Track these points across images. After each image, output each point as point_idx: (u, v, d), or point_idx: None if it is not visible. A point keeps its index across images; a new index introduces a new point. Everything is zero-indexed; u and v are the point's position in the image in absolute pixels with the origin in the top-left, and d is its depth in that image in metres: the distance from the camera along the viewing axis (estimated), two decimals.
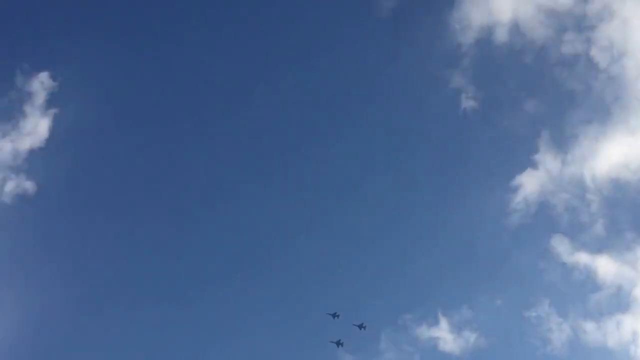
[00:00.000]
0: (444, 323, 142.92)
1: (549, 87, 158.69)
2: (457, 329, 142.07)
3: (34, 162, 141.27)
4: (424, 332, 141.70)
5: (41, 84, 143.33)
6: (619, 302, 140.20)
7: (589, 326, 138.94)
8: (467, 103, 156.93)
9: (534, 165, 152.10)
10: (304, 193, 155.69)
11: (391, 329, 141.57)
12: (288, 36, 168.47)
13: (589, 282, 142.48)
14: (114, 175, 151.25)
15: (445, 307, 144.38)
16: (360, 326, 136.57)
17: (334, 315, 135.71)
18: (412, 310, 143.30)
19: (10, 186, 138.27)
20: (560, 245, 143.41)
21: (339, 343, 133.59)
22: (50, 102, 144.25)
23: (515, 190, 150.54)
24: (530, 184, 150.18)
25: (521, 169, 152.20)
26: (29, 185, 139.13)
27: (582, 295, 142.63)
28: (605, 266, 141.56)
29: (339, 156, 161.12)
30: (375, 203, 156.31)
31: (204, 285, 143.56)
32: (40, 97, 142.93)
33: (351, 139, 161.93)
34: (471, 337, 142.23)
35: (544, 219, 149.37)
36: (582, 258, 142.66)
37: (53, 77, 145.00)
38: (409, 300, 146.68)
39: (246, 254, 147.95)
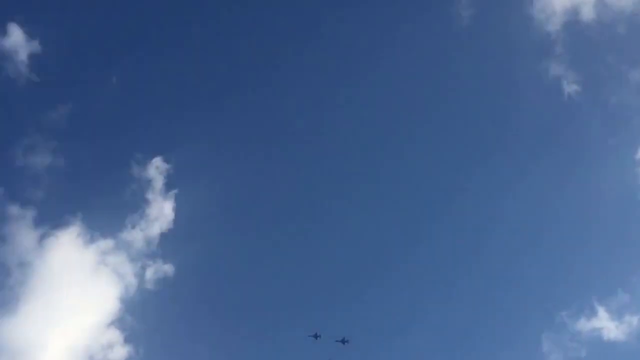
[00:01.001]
0: (602, 312, 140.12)
1: None
2: (617, 315, 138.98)
3: (167, 244, 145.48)
4: (584, 325, 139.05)
5: (156, 168, 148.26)
6: None
7: None
8: (570, 88, 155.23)
9: None
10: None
11: (550, 330, 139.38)
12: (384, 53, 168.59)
13: None
14: (244, 247, 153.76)
15: (600, 295, 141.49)
16: (343, 341, 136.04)
17: (315, 336, 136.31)
18: (567, 306, 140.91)
19: (150, 273, 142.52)
20: None
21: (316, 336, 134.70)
22: (168, 185, 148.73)
23: None
24: None
25: None
26: (167, 268, 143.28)
27: None
28: None
29: (450, 153, 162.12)
30: (507, 200, 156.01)
31: None
32: (158, 182, 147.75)
33: (465, 139, 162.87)
34: (633, 320, 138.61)
35: None
36: None
37: (166, 160, 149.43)
38: (561, 297, 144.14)
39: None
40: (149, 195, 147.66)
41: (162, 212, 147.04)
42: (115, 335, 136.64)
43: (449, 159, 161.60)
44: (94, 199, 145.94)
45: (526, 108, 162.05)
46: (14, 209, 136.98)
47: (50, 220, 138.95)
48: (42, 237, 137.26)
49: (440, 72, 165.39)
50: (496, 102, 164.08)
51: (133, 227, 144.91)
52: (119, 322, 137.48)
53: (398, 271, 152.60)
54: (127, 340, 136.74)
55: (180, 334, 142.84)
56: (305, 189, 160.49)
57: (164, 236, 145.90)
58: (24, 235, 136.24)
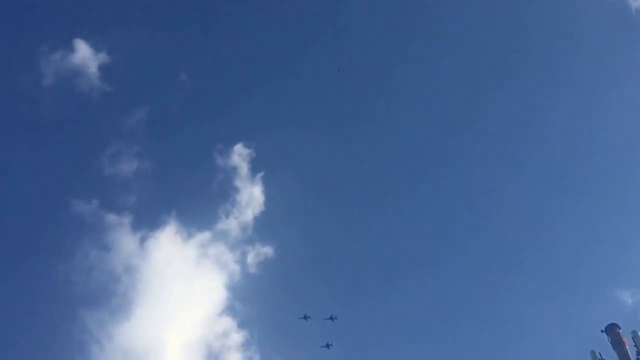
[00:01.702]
0: None
1: None
2: None
3: (262, 228, 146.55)
4: None
5: (239, 155, 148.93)
6: None
7: None
8: None
9: None
10: None
11: None
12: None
13: None
14: (336, 222, 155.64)
15: None
16: (331, 318, 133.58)
17: (305, 317, 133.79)
18: None
19: (251, 257, 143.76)
20: None
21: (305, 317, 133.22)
22: (254, 169, 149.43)
23: None
24: None
25: None
26: (267, 251, 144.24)
27: None
28: None
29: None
30: None
31: None
32: (243, 168, 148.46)
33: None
34: None
35: None
36: None
37: (247, 146, 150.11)
38: None
39: None
40: (237, 183, 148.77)
41: (252, 197, 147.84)
42: (228, 322, 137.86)
43: None
44: (185, 195, 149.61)
45: None
46: (111, 218, 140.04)
47: (147, 222, 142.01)
48: (143, 240, 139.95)
49: None
50: None
51: (227, 216, 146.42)
52: (229, 310, 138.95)
53: None
54: (240, 325, 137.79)
55: (289, 313, 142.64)
56: (386, 165, 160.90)
57: (258, 220, 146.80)
58: (125, 241, 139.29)
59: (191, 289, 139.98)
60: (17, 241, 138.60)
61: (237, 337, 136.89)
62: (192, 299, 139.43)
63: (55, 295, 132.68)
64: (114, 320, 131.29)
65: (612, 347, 56.49)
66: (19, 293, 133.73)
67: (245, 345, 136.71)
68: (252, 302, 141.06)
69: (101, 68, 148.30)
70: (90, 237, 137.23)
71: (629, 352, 55.58)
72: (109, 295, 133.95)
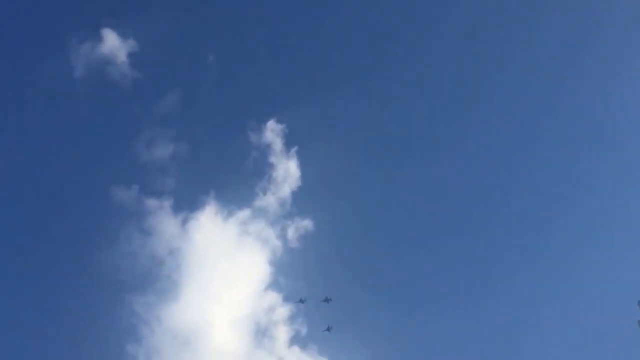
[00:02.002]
0: None
1: None
2: None
3: (300, 201, 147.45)
4: None
5: (272, 131, 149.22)
6: None
7: None
8: None
9: None
10: None
11: None
12: None
13: None
14: (371, 192, 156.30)
15: None
16: (327, 300, 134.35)
17: (301, 301, 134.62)
18: None
19: (291, 232, 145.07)
20: None
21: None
22: (288, 144, 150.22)
23: None
24: None
25: None
26: (306, 224, 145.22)
27: None
28: None
29: None
30: None
31: None
32: (277, 144, 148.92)
33: None
34: None
35: None
36: None
37: (279, 121, 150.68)
38: None
39: None
40: (272, 159, 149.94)
41: (288, 172, 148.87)
42: (273, 297, 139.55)
43: None
44: (222, 174, 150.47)
45: None
46: (152, 202, 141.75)
47: (187, 204, 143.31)
48: (184, 222, 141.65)
49: None
50: None
51: (264, 192, 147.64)
52: (274, 285, 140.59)
53: None
54: (286, 299, 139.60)
55: (333, 283, 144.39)
56: (423, 130, 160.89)
57: (295, 194, 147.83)
58: (167, 224, 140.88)
59: (235, 267, 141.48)
60: (62, 231, 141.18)
61: (284, 311, 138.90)
62: (237, 276, 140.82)
63: (103, 281, 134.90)
64: (161, 303, 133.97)
65: None
66: (67, 282, 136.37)
67: (292, 319, 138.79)
68: (295, 276, 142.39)
69: (130, 56, 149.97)
70: (132, 223, 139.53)
71: None
72: (154, 278, 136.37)
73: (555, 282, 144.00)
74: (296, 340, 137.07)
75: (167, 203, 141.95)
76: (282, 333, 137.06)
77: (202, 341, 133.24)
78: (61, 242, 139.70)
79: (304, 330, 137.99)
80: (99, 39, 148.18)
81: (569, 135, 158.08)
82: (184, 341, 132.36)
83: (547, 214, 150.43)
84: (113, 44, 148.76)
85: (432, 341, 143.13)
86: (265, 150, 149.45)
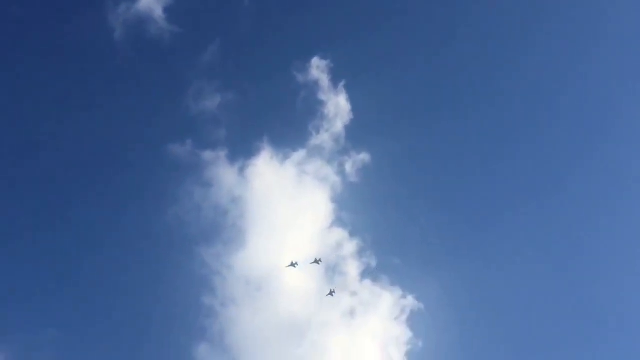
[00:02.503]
0: None
1: None
2: None
3: (354, 136, 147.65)
4: None
5: (317, 68, 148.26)
6: None
7: None
8: None
9: None
10: None
11: None
12: None
13: None
14: (421, 123, 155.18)
15: None
16: (317, 261, 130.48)
17: (293, 265, 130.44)
18: None
19: (349, 167, 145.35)
20: None
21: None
22: (335, 80, 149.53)
23: None
24: None
25: None
26: (363, 157, 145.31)
27: None
28: None
29: None
30: None
31: None
32: (324, 80, 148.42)
33: None
34: None
35: None
36: None
37: (324, 57, 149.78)
38: None
39: None
40: (321, 96, 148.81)
41: (338, 107, 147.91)
42: (339, 233, 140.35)
43: None
44: (273, 118, 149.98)
45: None
46: (207, 155, 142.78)
47: (242, 152, 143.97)
48: (241, 170, 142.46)
49: None
50: None
51: (317, 131, 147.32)
52: (338, 221, 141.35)
53: None
54: (352, 234, 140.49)
55: (397, 214, 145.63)
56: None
57: (348, 129, 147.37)
58: (225, 174, 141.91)
59: (297, 208, 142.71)
60: (125, 193, 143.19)
61: (351, 246, 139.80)
62: (300, 217, 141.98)
63: (171, 237, 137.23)
64: (229, 252, 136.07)
65: None
66: (135, 240, 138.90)
67: (360, 253, 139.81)
68: (358, 210, 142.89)
69: (166, 10, 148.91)
70: (191, 177, 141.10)
71: None
72: (220, 229, 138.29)
73: None
74: (367, 273, 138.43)
75: (223, 153, 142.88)
76: (352, 268, 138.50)
77: (274, 285, 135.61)
78: (125, 203, 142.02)
79: (373, 263, 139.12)
80: None
81: None
82: (256, 287, 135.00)
83: None
84: (148, 0, 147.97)
85: (504, 257, 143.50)
86: (313, 88, 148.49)
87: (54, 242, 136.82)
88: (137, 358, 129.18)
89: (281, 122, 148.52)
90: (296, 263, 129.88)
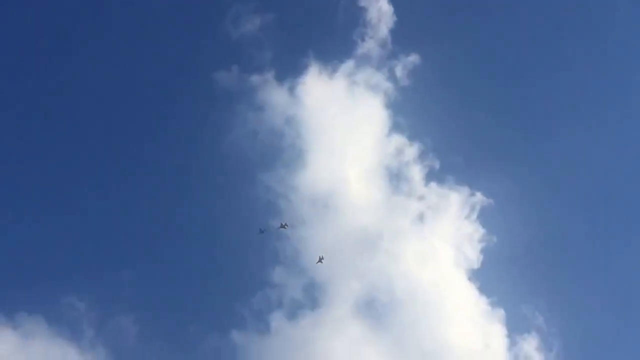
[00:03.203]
0: None
1: None
2: None
3: (401, 38, 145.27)
4: None
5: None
6: None
7: None
8: None
9: None
10: None
11: None
12: None
13: None
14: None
15: None
16: (283, 226, 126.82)
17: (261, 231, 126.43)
18: None
19: (399, 71, 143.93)
20: None
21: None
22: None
23: None
24: None
25: None
26: (413, 59, 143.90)
27: None
28: None
29: None
30: None
31: None
32: None
33: None
34: None
35: None
36: None
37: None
38: None
39: None
40: (362, 2, 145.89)
41: (381, 11, 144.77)
42: (398, 140, 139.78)
43: None
44: (315, 32, 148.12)
45: None
46: (255, 78, 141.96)
47: (289, 71, 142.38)
48: (291, 90, 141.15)
49: None
50: None
51: (362, 38, 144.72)
52: (395, 127, 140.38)
53: None
54: (411, 138, 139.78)
55: (452, 113, 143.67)
56: None
57: (394, 32, 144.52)
58: (275, 95, 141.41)
59: (352, 119, 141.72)
60: (178, 126, 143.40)
61: (412, 150, 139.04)
62: (356, 128, 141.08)
63: (230, 165, 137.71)
64: (291, 173, 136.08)
65: None
66: (195, 174, 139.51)
67: (422, 156, 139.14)
68: (414, 113, 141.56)
69: None
70: (242, 103, 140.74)
71: None
72: (278, 151, 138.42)
73: None
74: (431, 176, 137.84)
75: (270, 75, 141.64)
76: (416, 172, 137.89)
77: (340, 200, 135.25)
78: (179, 137, 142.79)
79: (437, 165, 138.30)
80: None
81: None
82: (323, 204, 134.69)
83: None
84: None
85: (565, 161, 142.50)
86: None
87: (121, 182, 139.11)
88: (215, 287, 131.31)
89: (324, 35, 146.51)
90: (264, 230, 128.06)
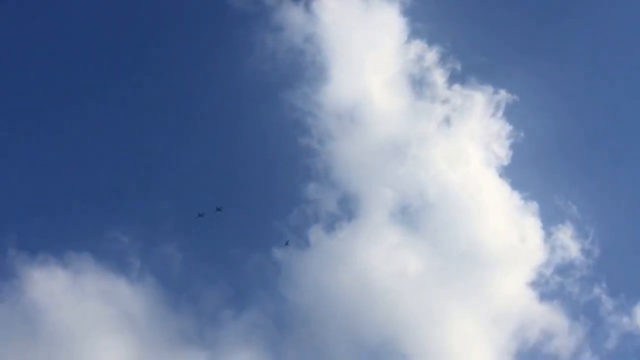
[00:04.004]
0: None
1: None
2: None
3: None
4: None
5: None
6: None
7: None
8: None
9: None
10: None
11: None
12: None
13: None
14: None
15: None
16: (219, 209, 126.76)
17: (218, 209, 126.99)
18: None
19: None
20: None
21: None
22: None
23: None
24: None
25: None
26: None
27: None
28: None
29: None
30: None
31: None
32: None
33: None
34: None
35: None
36: None
37: None
38: None
39: None
40: None
41: None
42: (417, 45, 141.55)
43: None
44: None
45: None
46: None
47: None
48: (307, 7, 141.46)
49: None
50: None
51: None
52: (414, 33, 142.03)
53: None
54: (430, 43, 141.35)
55: (470, 14, 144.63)
56: None
57: None
58: (292, 14, 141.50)
59: (370, 30, 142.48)
60: (199, 50, 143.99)
61: (432, 54, 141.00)
62: (376, 39, 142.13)
63: (253, 87, 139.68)
64: (315, 90, 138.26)
65: None
66: (219, 98, 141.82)
67: (443, 60, 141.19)
68: (432, 17, 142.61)
69: None
70: (259, 25, 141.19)
71: None
72: (300, 69, 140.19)
73: None
74: (454, 78, 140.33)
75: None
76: (438, 76, 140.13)
77: (365, 111, 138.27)
78: (198, 64, 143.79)
79: (458, 67, 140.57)
80: None
81: None
82: (349, 118, 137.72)
83: None
84: None
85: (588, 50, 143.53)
86: None
87: (151, 113, 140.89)
88: (252, 208, 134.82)
89: None
90: (221, 208, 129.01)
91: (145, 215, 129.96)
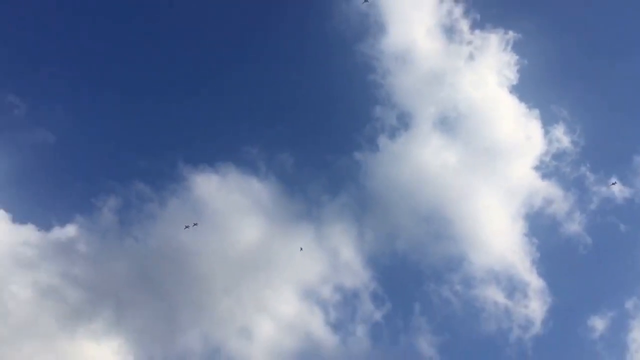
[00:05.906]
0: None
1: None
2: None
3: None
4: None
5: None
6: None
7: None
8: None
9: None
10: None
11: None
12: None
13: None
14: None
15: None
16: (194, 224, 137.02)
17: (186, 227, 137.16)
18: None
19: None
20: None
21: None
22: None
23: None
24: None
25: None
26: None
27: None
28: None
29: None
30: None
31: None
32: None
33: None
34: None
35: None
36: None
37: None
38: None
39: None
40: None
41: None
42: (447, 4, 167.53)
43: None
44: None
45: None
46: None
47: None
48: None
49: None
50: None
51: None
52: None
53: None
54: (467, 12, 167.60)
55: None
56: None
57: None
58: None
59: None
60: (292, 16, 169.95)
61: (458, 9, 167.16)
62: (418, 2, 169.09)
63: (335, 41, 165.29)
64: (378, 41, 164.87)
65: None
66: (314, 49, 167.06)
67: (466, 13, 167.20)
68: None
69: None
70: None
71: None
72: (366, 27, 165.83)
73: None
74: (475, 25, 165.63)
75: None
76: (464, 25, 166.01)
77: (414, 54, 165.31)
78: (296, 23, 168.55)
79: (478, 17, 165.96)
80: None
81: None
82: (402, 59, 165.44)
83: None
84: None
85: None
86: None
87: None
88: (338, 125, 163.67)
89: None
90: (188, 226, 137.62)
91: (268, 133, 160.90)
